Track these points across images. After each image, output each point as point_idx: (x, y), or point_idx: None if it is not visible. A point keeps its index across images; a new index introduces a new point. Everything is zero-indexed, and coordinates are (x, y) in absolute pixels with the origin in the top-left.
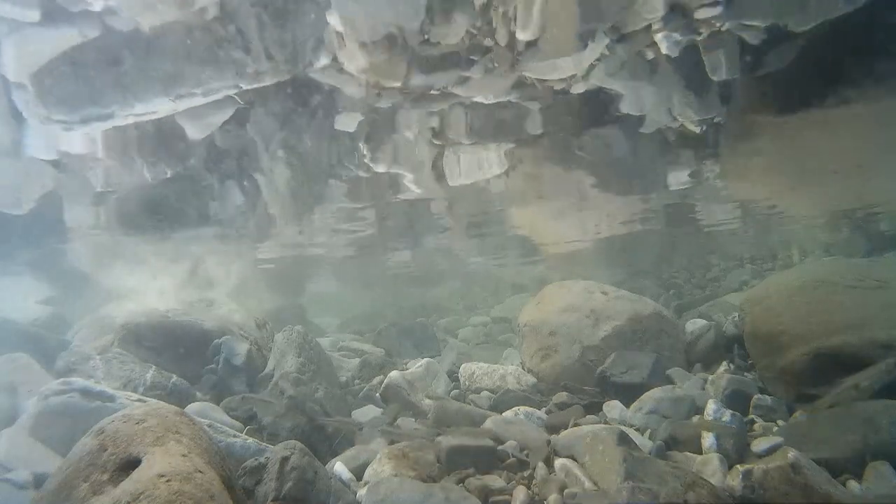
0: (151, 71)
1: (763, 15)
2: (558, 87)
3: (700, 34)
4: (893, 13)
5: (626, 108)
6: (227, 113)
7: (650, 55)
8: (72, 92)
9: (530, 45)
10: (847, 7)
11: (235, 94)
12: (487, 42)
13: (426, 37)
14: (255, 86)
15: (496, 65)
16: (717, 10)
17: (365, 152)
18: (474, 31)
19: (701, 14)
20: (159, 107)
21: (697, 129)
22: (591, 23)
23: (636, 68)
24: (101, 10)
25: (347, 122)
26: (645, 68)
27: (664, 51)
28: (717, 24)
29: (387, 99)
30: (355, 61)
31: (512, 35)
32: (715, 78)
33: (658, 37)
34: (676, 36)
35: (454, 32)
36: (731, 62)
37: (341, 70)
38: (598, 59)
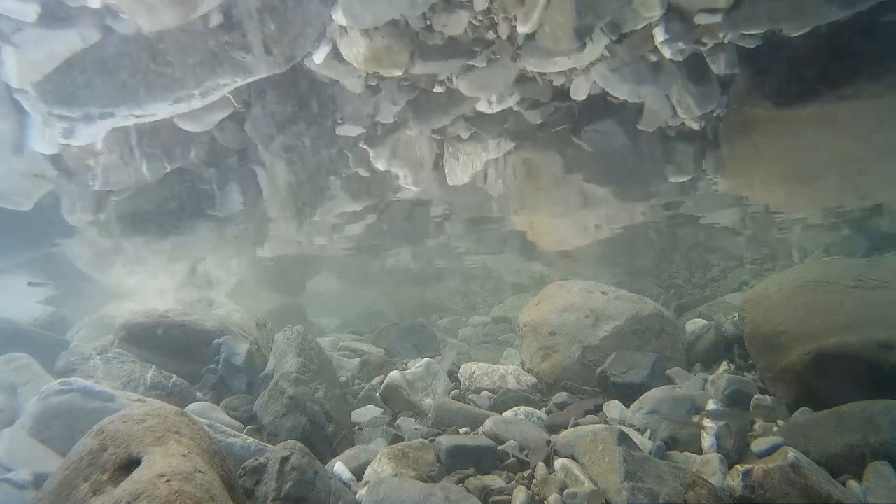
0: (149, 74)
1: (760, 21)
2: (558, 82)
3: (704, 45)
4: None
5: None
6: (224, 113)
7: (653, 58)
8: (73, 98)
9: (529, 38)
10: (841, 13)
11: (231, 94)
12: (490, 36)
13: (428, 22)
14: (253, 79)
15: (498, 56)
16: (717, 17)
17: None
18: (476, 24)
19: (701, 19)
20: (158, 111)
21: (697, 126)
22: (589, 17)
23: (639, 71)
24: (100, 7)
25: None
26: (648, 70)
27: (668, 56)
28: (720, 35)
29: (386, 94)
30: (355, 47)
31: (513, 28)
32: (716, 70)
33: (659, 40)
34: (680, 45)
35: (457, 22)
36: (731, 62)
37: (340, 59)
38: (598, 59)
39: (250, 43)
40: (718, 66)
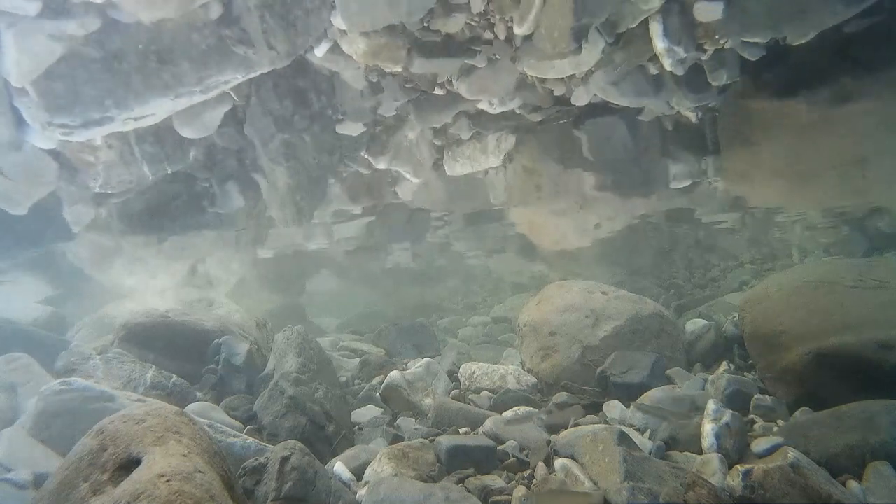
0: (150, 67)
1: (762, 24)
2: (559, 91)
3: (705, 51)
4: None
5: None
6: (223, 109)
7: (653, 70)
8: (73, 93)
9: (527, 39)
10: (847, 11)
11: (232, 90)
12: (487, 35)
13: (426, 24)
14: (254, 74)
15: (498, 57)
16: (718, 9)
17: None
18: (473, 24)
19: (700, 14)
20: (158, 108)
21: (694, 118)
22: (585, 16)
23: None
24: (102, 2)
25: (351, 129)
26: (648, 83)
27: (668, 68)
28: (721, 41)
29: (388, 93)
30: (356, 45)
31: (509, 30)
32: (715, 83)
33: (660, 49)
34: (680, 52)
35: (454, 23)
36: (732, 72)
37: (341, 53)
38: (595, 66)
39: (251, 37)
40: (719, 78)
